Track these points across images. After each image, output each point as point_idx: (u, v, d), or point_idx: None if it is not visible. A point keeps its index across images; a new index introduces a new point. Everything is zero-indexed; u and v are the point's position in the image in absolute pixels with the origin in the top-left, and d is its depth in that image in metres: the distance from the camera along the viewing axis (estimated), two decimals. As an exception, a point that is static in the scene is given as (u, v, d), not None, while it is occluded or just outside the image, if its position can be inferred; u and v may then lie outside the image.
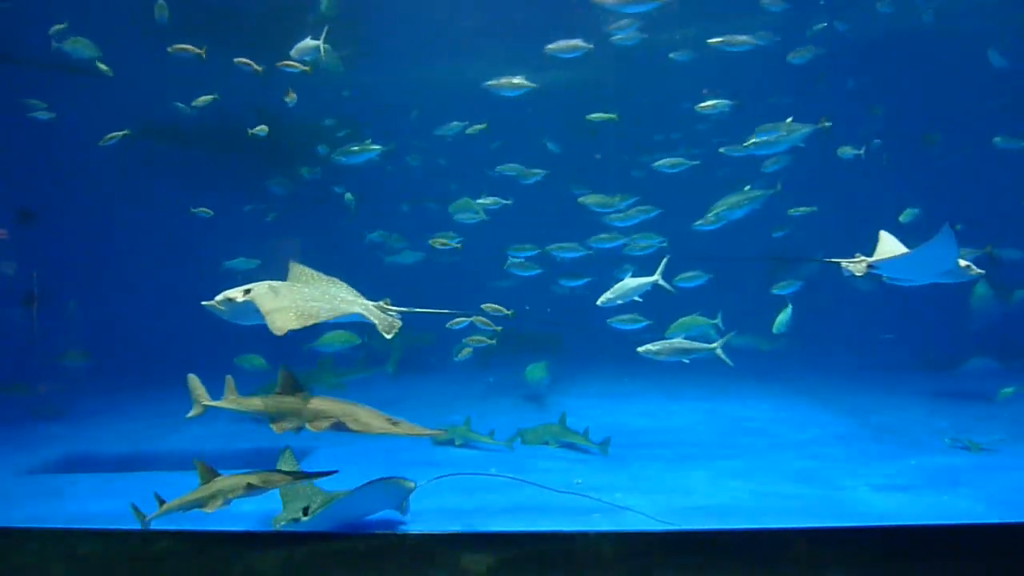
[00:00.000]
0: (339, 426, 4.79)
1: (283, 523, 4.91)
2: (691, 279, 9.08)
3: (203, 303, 4.98)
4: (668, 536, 4.69)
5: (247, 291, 4.89)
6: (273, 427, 4.85)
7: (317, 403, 4.87)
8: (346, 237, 13.05)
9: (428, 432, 5.04)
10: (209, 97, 9.40)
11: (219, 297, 4.97)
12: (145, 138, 13.09)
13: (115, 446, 9.02)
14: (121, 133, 9.24)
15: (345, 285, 5.47)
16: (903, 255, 5.66)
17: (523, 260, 10.04)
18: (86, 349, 11.74)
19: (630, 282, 7.73)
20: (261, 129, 9.20)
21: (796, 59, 10.13)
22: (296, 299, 4.93)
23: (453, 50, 11.37)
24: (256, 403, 5.02)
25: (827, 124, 7.95)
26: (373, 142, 10.26)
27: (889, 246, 6.01)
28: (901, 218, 9.49)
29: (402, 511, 5.27)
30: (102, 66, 9.38)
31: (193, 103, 9.55)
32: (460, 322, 7.90)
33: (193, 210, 9.97)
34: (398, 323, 5.25)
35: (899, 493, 6.23)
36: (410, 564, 4.25)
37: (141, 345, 13.00)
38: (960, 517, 5.54)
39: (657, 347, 7.31)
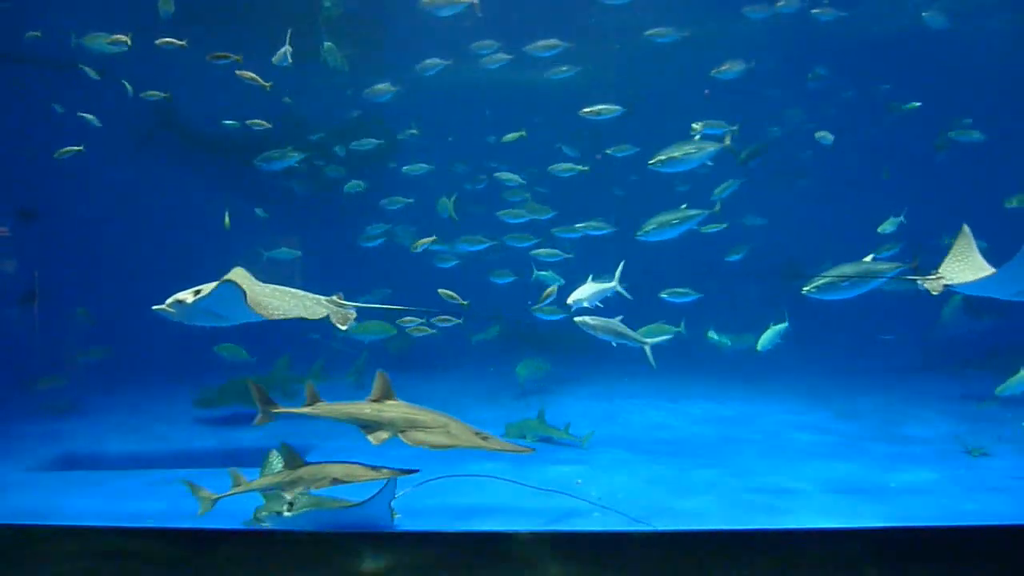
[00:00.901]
0: (434, 438, 4.65)
1: (265, 514, 4.87)
2: (681, 295, 9.18)
3: (154, 307, 5.02)
4: (645, 536, 4.72)
5: (197, 292, 4.93)
6: (371, 438, 4.73)
7: (393, 411, 4.76)
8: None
9: (519, 449, 4.88)
10: (160, 94, 9.33)
11: (169, 300, 4.99)
12: (152, 138, 13.18)
13: (124, 444, 9.06)
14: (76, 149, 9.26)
15: (290, 289, 5.49)
16: (989, 276, 5.30)
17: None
18: (107, 345, 11.73)
19: (592, 285, 7.78)
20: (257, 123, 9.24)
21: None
22: (266, 295, 5.03)
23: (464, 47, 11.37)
24: (332, 411, 4.90)
25: (729, 143, 7.89)
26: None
27: (965, 258, 5.71)
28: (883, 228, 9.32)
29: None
30: (88, 69, 9.38)
31: (143, 94, 9.50)
32: (413, 321, 7.95)
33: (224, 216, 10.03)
34: (352, 315, 5.29)
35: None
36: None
37: (146, 343, 12.99)
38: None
39: (594, 322, 7.38)
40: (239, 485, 4.89)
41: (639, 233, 7.74)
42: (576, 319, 7.37)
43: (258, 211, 12.68)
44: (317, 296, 5.42)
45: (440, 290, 7.72)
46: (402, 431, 4.63)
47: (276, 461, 5.41)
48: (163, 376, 12.00)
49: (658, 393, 11.05)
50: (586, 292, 7.77)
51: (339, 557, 4.19)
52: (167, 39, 8.48)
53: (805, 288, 6.18)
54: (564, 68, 9.90)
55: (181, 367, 11.20)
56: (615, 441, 7.86)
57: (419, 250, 9.53)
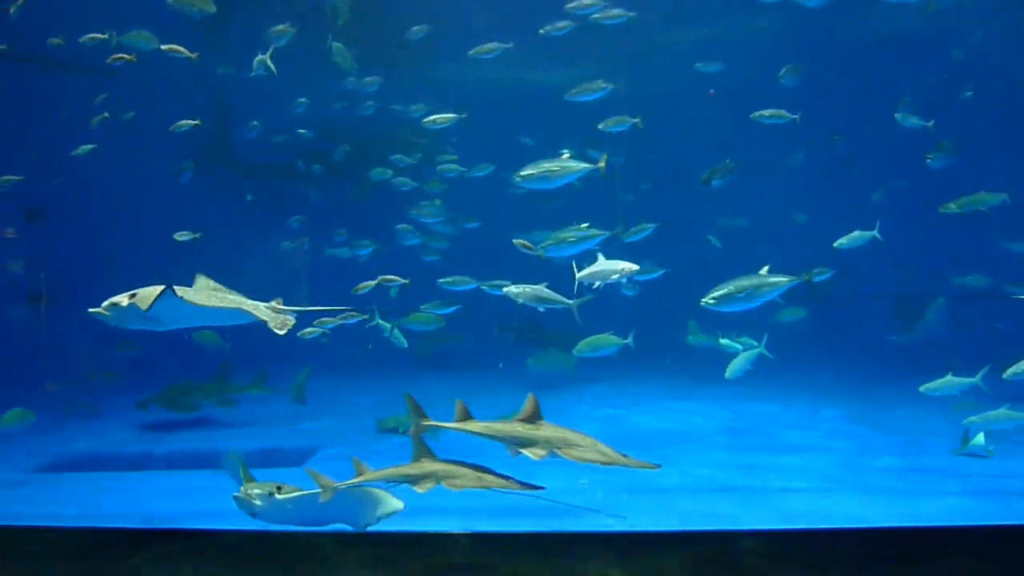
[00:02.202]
0: (589, 455, 4.79)
1: (257, 491, 4.79)
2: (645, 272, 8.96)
3: (90, 310, 5.03)
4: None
5: (133, 295, 4.94)
6: (528, 453, 4.84)
7: (548, 431, 4.89)
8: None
9: (648, 465, 4.82)
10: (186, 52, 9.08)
11: (105, 303, 5.01)
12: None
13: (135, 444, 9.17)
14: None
15: (231, 295, 5.55)
16: None
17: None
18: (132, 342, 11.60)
19: (605, 263, 7.43)
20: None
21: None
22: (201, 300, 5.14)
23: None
24: (486, 429, 5.01)
25: (603, 166, 7.69)
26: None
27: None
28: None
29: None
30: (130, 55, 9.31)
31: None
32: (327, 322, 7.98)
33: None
34: (291, 320, 5.28)
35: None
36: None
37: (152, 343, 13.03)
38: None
39: (518, 290, 7.31)
40: (362, 474, 4.91)
41: (540, 247, 7.60)
42: (504, 290, 7.30)
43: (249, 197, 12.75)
44: (256, 302, 5.43)
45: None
46: (558, 448, 4.82)
47: (234, 459, 5.45)
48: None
49: (666, 393, 11.05)
50: (599, 270, 7.42)
51: (335, 556, 4.20)
52: (173, 46, 8.53)
53: (703, 300, 6.30)
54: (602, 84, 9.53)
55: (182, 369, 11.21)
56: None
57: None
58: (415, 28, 10.72)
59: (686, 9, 12.85)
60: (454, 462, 4.90)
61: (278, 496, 4.76)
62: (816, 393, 11.05)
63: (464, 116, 9.85)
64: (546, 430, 4.87)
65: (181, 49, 8.47)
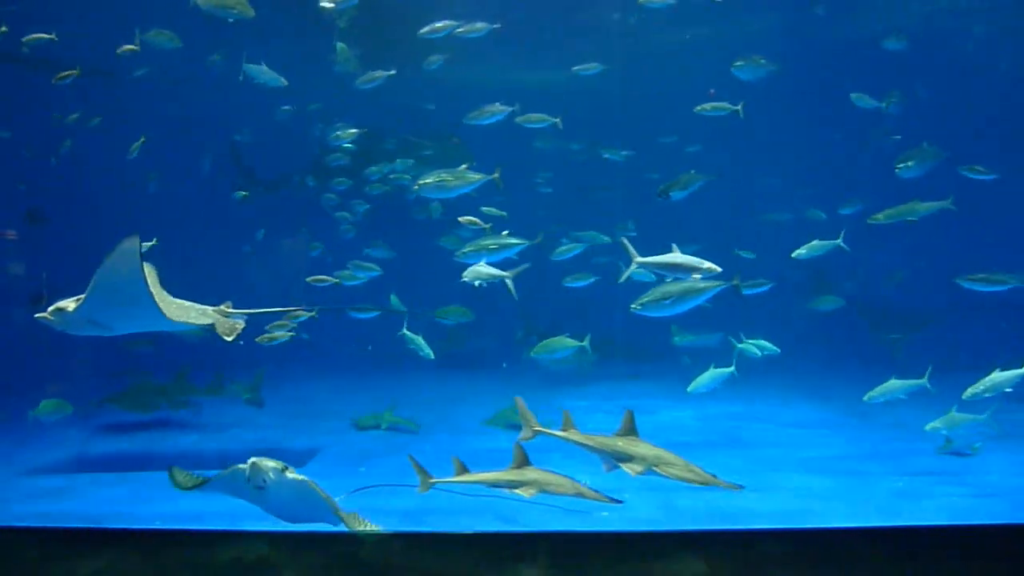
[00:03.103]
0: (684, 474, 5.01)
1: (271, 464, 4.68)
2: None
3: (36, 315, 4.98)
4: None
5: (79, 300, 4.89)
6: (627, 468, 5.05)
7: (644, 448, 5.12)
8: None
9: (733, 486, 5.07)
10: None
11: (51, 308, 4.96)
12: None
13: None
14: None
15: (178, 300, 5.51)
16: None
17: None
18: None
19: (680, 256, 7.20)
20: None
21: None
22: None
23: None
24: (587, 440, 5.26)
25: (498, 177, 7.88)
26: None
27: None
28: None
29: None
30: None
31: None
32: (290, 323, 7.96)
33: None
34: (240, 325, 5.22)
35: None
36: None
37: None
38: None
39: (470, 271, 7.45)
40: (462, 474, 5.14)
41: (458, 254, 7.82)
42: (465, 274, 7.42)
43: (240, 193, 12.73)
44: (204, 307, 5.42)
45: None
46: (655, 465, 5.06)
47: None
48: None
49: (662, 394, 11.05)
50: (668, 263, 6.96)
51: (330, 557, 4.21)
52: (128, 46, 8.68)
53: (632, 305, 6.44)
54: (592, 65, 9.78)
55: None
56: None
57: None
58: (432, 57, 10.79)
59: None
60: (549, 471, 5.16)
61: (287, 475, 4.66)
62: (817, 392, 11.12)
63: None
64: (642, 447, 5.11)
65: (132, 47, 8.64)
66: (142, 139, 9.81)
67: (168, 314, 5.09)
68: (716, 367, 8.39)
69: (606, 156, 11.84)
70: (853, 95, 10.11)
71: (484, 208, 9.09)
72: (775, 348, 9.18)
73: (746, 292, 7.95)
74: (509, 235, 7.77)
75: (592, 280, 9.95)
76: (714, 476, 4.98)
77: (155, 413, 9.92)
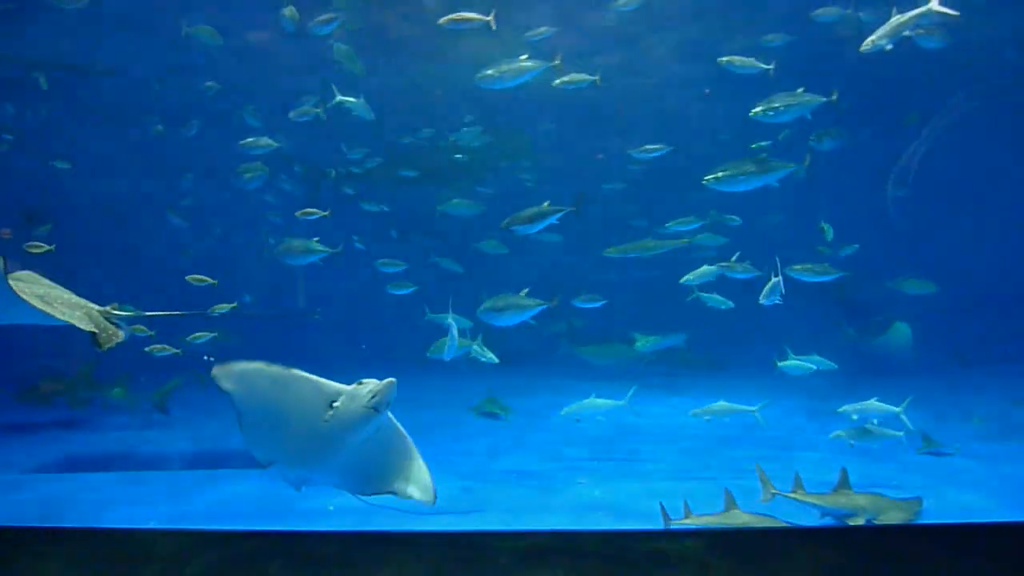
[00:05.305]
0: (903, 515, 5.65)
1: (370, 386, 4.61)
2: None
3: None
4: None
5: None
6: (850, 522, 5.59)
7: (861, 499, 5.70)
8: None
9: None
10: None
11: None
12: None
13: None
14: None
15: (66, 295, 5.29)
16: None
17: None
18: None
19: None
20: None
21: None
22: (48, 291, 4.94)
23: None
24: (826, 499, 5.77)
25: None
26: None
27: None
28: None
29: None
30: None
31: None
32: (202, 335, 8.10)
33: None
34: (119, 335, 5.00)
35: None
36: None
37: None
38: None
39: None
40: (797, 491, 5.79)
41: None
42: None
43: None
44: (90, 306, 5.17)
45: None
46: (874, 517, 5.57)
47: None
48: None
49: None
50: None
51: (326, 558, 4.24)
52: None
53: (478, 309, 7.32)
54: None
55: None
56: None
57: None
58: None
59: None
60: (879, 495, 5.80)
61: (364, 398, 4.51)
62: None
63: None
64: (860, 499, 5.65)
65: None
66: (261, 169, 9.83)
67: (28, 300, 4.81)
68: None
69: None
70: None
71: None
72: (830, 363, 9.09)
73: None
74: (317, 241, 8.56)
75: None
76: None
77: (51, 407, 9.81)
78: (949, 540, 4.43)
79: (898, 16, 6.73)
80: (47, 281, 5.31)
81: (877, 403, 7.46)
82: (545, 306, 7.49)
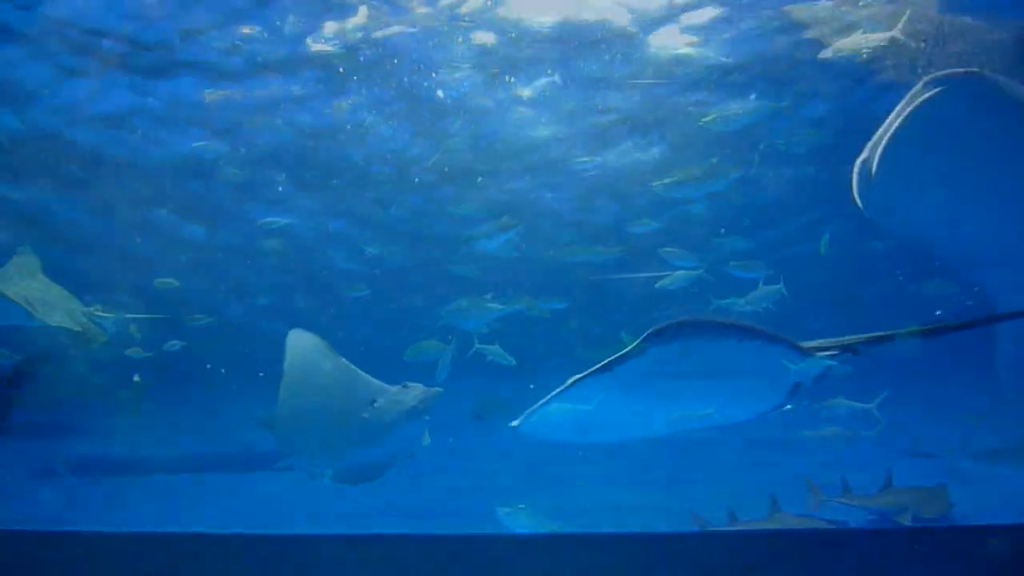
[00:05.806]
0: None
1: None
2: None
3: None
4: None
5: None
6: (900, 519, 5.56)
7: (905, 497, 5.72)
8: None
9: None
10: None
11: None
12: None
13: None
14: None
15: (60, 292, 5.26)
16: None
17: None
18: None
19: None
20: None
21: None
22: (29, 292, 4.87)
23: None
24: (877, 500, 5.85)
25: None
26: None
27: None
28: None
29: None
30: None
31: None
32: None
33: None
34: (104, 336, 5.04)
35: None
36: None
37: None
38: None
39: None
40: (846, 495, 5.95)
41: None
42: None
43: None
44: (78, 304, 5.15)
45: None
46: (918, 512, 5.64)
47: None
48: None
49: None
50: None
51: (324, 559, 4.22)
52: None
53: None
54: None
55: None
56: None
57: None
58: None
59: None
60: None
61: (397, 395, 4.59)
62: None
63: None
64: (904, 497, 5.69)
65: None
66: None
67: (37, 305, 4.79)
68: None
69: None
70: None
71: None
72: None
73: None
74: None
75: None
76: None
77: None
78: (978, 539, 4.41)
79: (865, 36, 6.74)
80: (42, 276, 5.27)
81: (847, 401, 7.51)
82: (509, 310, 7.48)
